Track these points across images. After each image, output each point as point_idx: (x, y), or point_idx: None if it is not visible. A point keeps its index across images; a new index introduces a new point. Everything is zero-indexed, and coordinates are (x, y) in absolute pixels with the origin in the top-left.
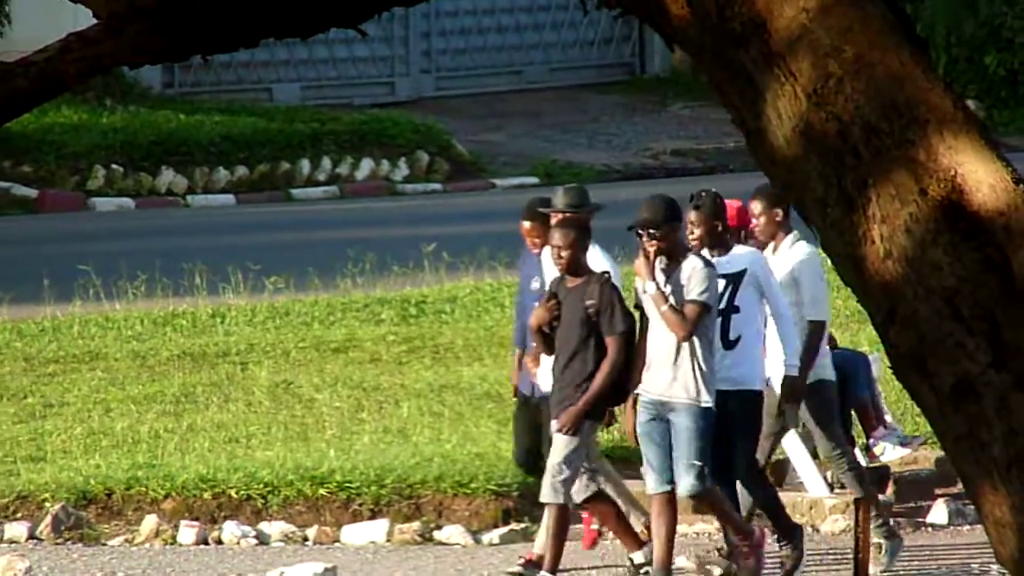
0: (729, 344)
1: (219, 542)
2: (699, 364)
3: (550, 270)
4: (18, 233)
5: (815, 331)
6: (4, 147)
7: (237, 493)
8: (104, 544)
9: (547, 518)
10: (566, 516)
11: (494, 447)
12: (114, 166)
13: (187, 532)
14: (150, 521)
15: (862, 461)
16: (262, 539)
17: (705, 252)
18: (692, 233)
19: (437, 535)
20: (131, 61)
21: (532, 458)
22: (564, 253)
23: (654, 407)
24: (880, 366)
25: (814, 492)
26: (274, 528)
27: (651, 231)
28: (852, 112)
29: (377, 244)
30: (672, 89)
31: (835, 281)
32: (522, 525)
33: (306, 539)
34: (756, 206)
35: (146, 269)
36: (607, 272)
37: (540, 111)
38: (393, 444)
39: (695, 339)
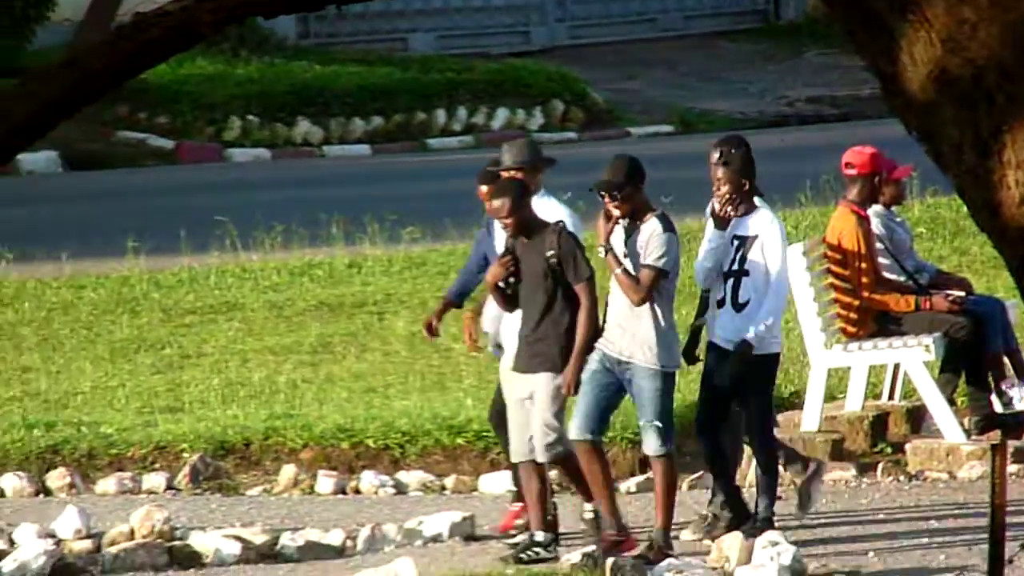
0: (739, 307)
1: (357, 492)
2: (659, 326)
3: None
4: (155, 184)
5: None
6: (141, 98)
7: (375, 443)
8: (242, 494)
9: (525, 478)
10: (574, 462)
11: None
12: (250, 117)
13: (325, 482)
14: (288, 471)
15: (998, 407)
16: (400, 488)
17: (729, 209)
18: (719, 190)
19: None
20: (266, 11)
21: (503, 416)
22: (507, 220)
23: (609, 361)
24: (1017, 312)
25: (951, 439)
26: (412, 477)
27: (613, 193)
28: (986, 57)
29: None
30: (807, 36)
31: (971, 228)
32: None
33: (444, 488)
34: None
35: (283, 219)
36: (560, 221)
37: (674, 59)
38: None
39: (655, 302)
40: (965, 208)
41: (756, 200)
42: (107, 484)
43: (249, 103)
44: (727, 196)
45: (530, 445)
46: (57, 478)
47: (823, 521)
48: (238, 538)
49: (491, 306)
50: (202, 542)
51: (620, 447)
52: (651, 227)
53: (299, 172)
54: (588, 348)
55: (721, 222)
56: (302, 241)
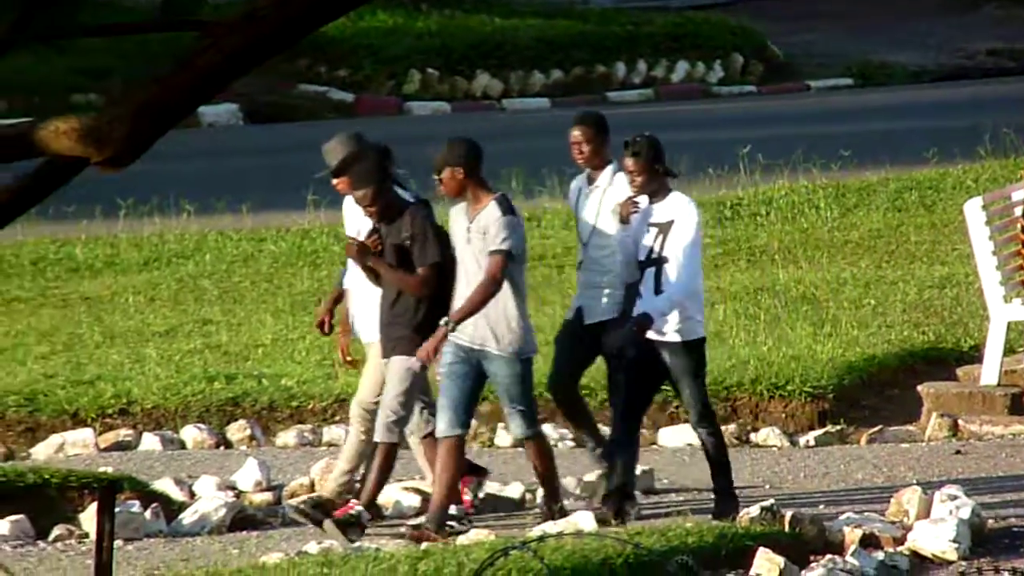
0: (660, 294)
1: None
2: (509, 312)
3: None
4: None
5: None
6: (321, 52)
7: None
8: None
9: (378, 456)
10: (394, 455)
11: (810, 349)
12: (429, 70)
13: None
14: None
15: None
16: (579, 442)
17: (643, 199)
18: (633, 181)
19: (754, 437)
20: None
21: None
22: (370, 209)
23: (463, 351)
24: None
25: None
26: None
27: (443, 171)
28: None
29: (693, 146)
30: None
31: None
32: (838, 427)
33: None
34: (580, 133)
35: None
36: (420, 202)
37: (853, 12)
38: (710, 347)
39: (506, 287)
40: None
41: (670, 184)
42: (287, 436)
43: (429, 56)
44: (640, 186)
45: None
46: (237, 430)
47: (1002, 475)
48: (417, 491)
49: (355, 306)
50: (382, 495)
51: (798, 400)
52: (490, 212)
53: (479, 125)
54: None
55: (625, 215)
56: None
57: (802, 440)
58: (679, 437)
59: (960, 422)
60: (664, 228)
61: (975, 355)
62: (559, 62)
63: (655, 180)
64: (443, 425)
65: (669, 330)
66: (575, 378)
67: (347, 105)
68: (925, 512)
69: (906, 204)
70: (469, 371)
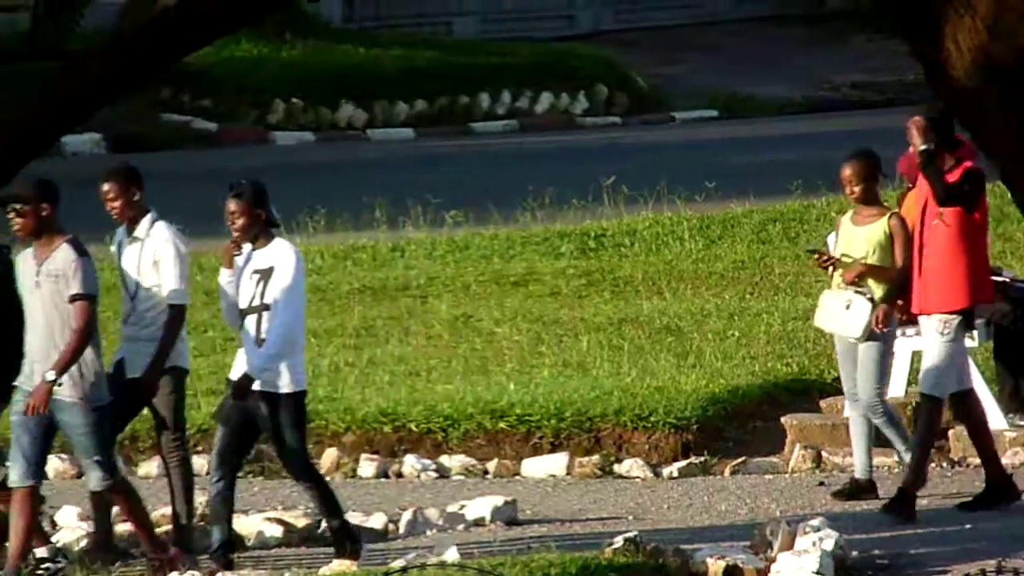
0: (261, 343)
1: (399, 475)
2: (86, 358)
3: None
4: (198, 167)
5: (176, 315)
6: (185, 81)
7: (417, 427)
8: (284, 478)
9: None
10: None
11: (673, 380)
12: (294, 100)
13: (367, 466)
14: (331, 454)
15: None
16: (442, 472)
17: (247, 246)
18: (233, 224)
19: (617, 468)
20: None
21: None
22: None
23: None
24: None
25: (993, 425)
26: (454, 461)
27: (16, 207)
28: None
29: (556, 177)
30: (852, 21)
31: (1015, 214)
32: (701, 459)
33: (486, 472)
34: (109, 188)
35: (326, 203)
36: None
37: (720, 44)
38: (573, 377)
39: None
40: (1009, 194)
41: (274, 231)
42: (150, 467)
43: (293, 86)
44: (240, 229)
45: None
46: None
47: (866, 507)
48: (280, 521)
49: None
50: (245, 525)
51: (662, 431)
52: (64, 254)
53: (343, 155)
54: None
55: (227, 260)
56: (346, 225)
57: (666, 471)
58: (542, 468)
59: (823, 454)
60: (265, 275)
61: (838, 387)
62: (424, 92)
63: (256, 224)
64: (15, 475)
65: (270, 381)
66: (121, 429)
67: (211, 135)
68: (789, 544)
69: (770, 236)
70: (40, 419)
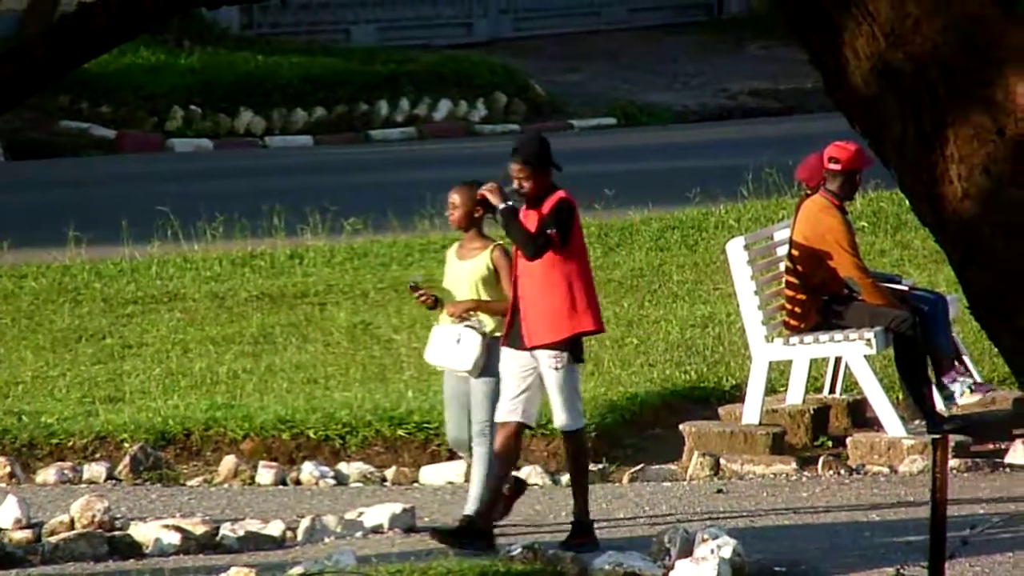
0: None
1: (297, 482)
2: None
3: None
4: (97, 174)
5: None
6: (83, 88)
7: (315, 434)
8: (183, 484)
9: None
10: None
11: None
12: (192, 107)
13: (265, 473)
14: (228, 461)
15: (940, 405)
16: (340, 480)
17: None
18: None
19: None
20: (209, 1)
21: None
22: None
23: None
24: (958, 307)
25: (892, 432)
26: (352, 468)
27: None
28: (929, 52)
29: (455, 184)
30: (750, 29)
31: (913, 221)
32: (599, 466)
33: (384, 480)
34: None
35: (224, 210)
36: None
37: (618, 52)
38: None
39: None
40: (907, 202)
41: None
42: (47, 474)
43: (191, 93)
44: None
45: None
46: None
47: (763, 514)
48: (178, 528)
49: None
50: (142, 532)
51: (561, 438)
52: None
53: (241, 162)
54: None
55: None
56: (244, 231)
57: (564, 478)
58: (440, 475)
59: (722, 461)
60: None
61: (737, 394)
62: (322, 100)
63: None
64: None
65: None
66: None
67: (109, 142)
68: (687, 551)
69: (668, 243)
70: None
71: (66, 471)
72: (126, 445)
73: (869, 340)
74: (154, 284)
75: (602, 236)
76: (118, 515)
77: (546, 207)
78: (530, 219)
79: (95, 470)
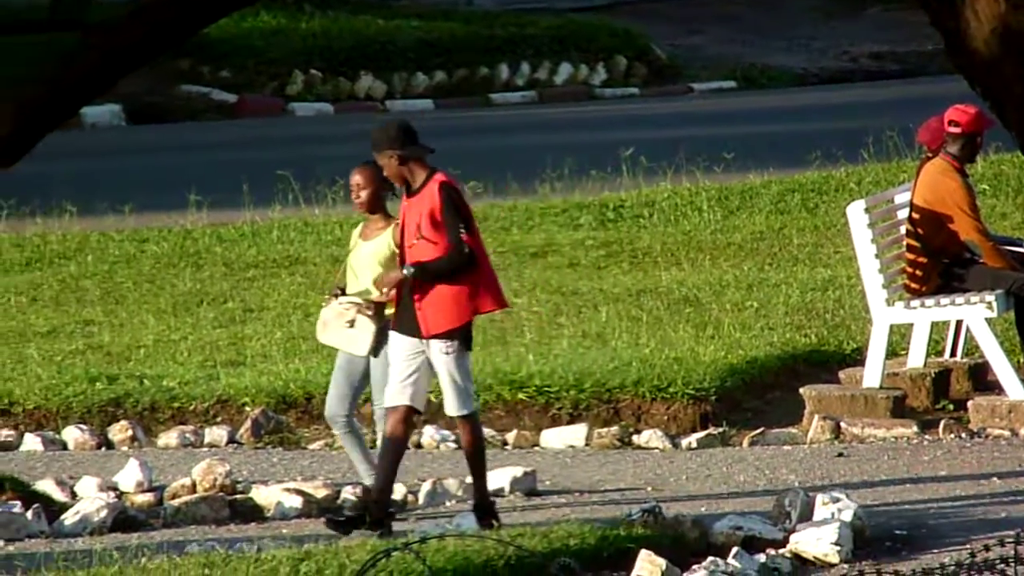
0: None
1: (419, 446)
2: None
3: None
4: (218, 138)
5: None
6: (204, 53)
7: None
8: (304, 448)
9: None
10: None
11: (692, 351)
12: (313, 71)
13: None
14: None
15: None
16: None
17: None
18: None
19: (635, 439)
20: None
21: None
22: None
23: None
24: None
25: (1013, 395)
26: None
27: None
28: None
29: (575, 148)
30: None
31: None
32: (720, 429)
33: (505, 443)
34: None
35: (344, 174)
36: None
37: (739, 15)
38: (591, 348)
39: None
40: None
41: None
42: (169, 437)
43: (312, 57)
44: None
45: None
46: (119, 431)
47: (884, 478)
48: (299, 492)
49: None
50: (264, 496)
51: (681, 402)
52: None
53: (362, 126)
54: None
55: None
56: None
57: (684, 442)
58: (561, 439)
59: (842, 425)
60: None
61: (857, 358)
62: (442, 64)
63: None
64: None
65: None
66: None
67: (229, 106)
68: (807, 515)
69: (789, 207)
70: None
71: (187, 434)
72: (247, 408)
73: (990, 303)
74: (275, 248)
75: (722, 199)
76: (239, 479)
77: (426, 194)
78: (412, 209)
79: (216, 433)
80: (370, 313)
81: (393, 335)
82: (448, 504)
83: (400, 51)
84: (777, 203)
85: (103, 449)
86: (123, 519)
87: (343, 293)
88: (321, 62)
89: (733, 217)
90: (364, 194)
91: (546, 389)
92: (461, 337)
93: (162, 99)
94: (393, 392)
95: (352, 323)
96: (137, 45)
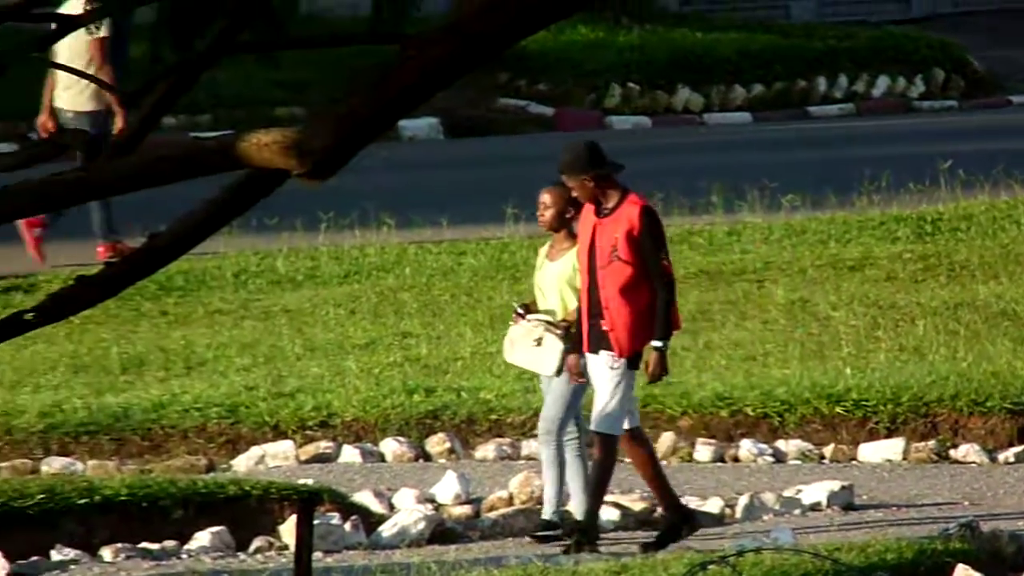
0: None
1: (736, 460)
2: None
3: None
4: (535, 151)
5: None
6: (522, 65)
7: (753, 411)
8: (621, 461)
9: None
10: None
11: (1010, 365)
12: (630, 84)
13: (703, 450)
14: (667, 438)
15: None
16: (778, 457)
17: None
18: None
19: (953, 453)
20: None
21: None
22: None
23: None
24: None
25: None
26: (790, 446)
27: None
28: None
29: (893, 161)
30: None
31: None
32: None
33: (823, 457)
34: None
35: (662, 187)
36: None
37: None
38: (909, 362)
39: None
40: None
41: None
42: (486, 450)
43: (630, 70)
44: None
45: None
46: (437, 443)
47: None
48: (617, 505)
49: None
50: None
51: (999, 416)
52: None
53: (679, 139)
54: None
55: None
56: (682, 209)
57: (1002, 456)
58: (878, 453)
59: None
60: None
61: None
62: (760, 76)
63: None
64: None
65: None
66: None
67: (547, 119)
68: None
69: None
70: None
71: (505, 447)
72: None
73: None
74: None
75: None
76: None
77: (623, 215)
78: (605, 230)
79: (533, 447)
80: (559, 332)
81: (591, 358)
82: (765, 518)
83: (717, 64)
84: None
85: (420, 461)
86: (440, 531)
87: (528, 312)
88: (639, 75)
89: None
90: (549, 213)
91: (863, 403)
92: (629, 357)
93: (480, 112)
94: (613, 416)
95: (539, 341)
96: (452, 58)
